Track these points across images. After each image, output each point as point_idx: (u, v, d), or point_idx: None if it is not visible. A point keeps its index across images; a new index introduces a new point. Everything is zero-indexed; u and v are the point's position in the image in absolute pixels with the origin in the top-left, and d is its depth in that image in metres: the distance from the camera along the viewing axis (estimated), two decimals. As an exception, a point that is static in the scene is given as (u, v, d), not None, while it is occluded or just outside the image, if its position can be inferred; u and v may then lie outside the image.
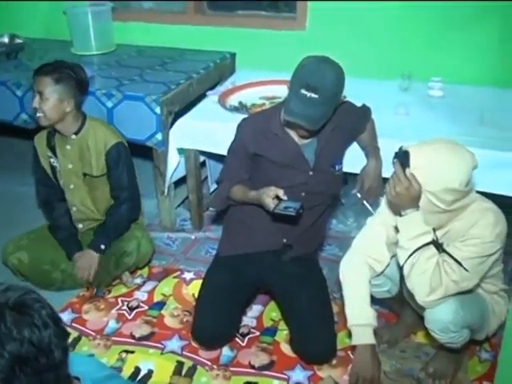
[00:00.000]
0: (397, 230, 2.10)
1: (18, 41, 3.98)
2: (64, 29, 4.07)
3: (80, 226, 2.95)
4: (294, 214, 2.22)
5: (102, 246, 2.78)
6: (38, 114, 2.63)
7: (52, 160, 2.79)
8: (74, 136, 2.74)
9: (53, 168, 2.81)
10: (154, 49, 3.97)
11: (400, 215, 2.04)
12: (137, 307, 2.80)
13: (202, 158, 3.32)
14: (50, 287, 2.89)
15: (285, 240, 2.54)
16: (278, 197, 2.25)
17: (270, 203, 2.25)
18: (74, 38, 3.98)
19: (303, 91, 2.20)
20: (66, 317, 2.72)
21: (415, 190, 1.95)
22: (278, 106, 2.52)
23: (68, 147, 2.73)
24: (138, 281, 2.98)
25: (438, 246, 2.03)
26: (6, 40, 4.03)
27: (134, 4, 4.29)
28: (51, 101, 2.61)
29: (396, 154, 2.01)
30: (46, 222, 3.08)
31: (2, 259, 2.90)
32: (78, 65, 2.78)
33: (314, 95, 2.19)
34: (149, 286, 2.94)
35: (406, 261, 2.03)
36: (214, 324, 2.43)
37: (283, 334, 2.61)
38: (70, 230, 2.89)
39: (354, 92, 2.79)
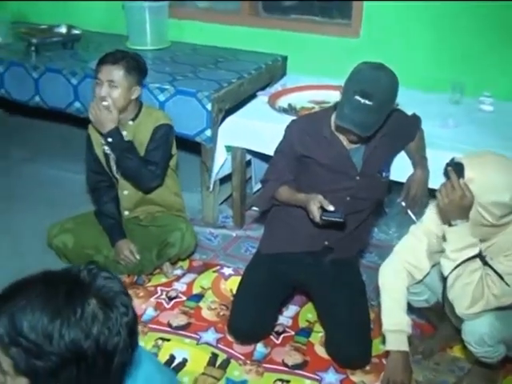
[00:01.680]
0: (442, 239, 2.10)
1: (75, 32, 4.08)
2: (121, 24, 4.16)
3: (126, 212, 3.00)
4: (342, 220, 2.25)
5: (110, 139, 2.75)
6: (106, 103, 2.68)
7: (106, 147, 2.85)
8: (130, 122, 2.80)
9: (106, 155, 2.87)
10: (208, 48, 4.03)
11: (449, 225, 2.03)
12: (175, 297, 2.85)
13: (247, 157, 3.36)
14: (92, 272, 2.94)
15: (326, 242, 2.56)
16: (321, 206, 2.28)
17: (316, 212, 2.28)
18: (130, 33, 4.07)
19: (357, 97, 2.21)
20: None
21: (468, 199, 1.94)
22: (329, 109, 2.54)
23: (124, 133, 2.79)
24: (178, 272, 3.03)
25: (482, 259, 2.03)
26: (63, 30, 4.13)
27: (189, 2, 4.36)
28: (121, 89, 2.67)
29: (448, 164, 2.01)
30: (90, 208, 3.16)
31: (47, 241, 2.97)
32: (138, 54, 2.85)
33: (367, 102, 2.20)
34: (188, 277, 2.99)
35: (451, 272, 2.02)
36: (250, 320, 2.46)
37: (318, 336, 2.62)
38: (115, 217, 2.95)
39: (405, 101, 2.80)
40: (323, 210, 2.28)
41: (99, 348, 1.08)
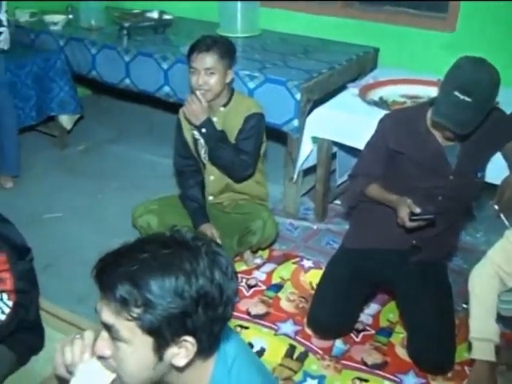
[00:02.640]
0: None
1: (167, 17, 4.13)
2: (212, 11, 4.18)
3: (210, 198, 3.01)
4: (432, 217, 2.18)
5: (203, 130, 2.77)
6: (203, 90, 2.68)
7: (195, 132, 2.86)
8: (222, 108, 2.80)
9: (195, 140, 2.89)
10: (298, 37, 3.99)
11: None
12: (255, 286, 2.84)
13: (333, 149, 3.30)
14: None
15: (414, 241, 2.47)
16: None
17: (405, 217, 2.22)
18: (221, 20, 4.08)
19: (456, 93, 2.12)
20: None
21: None
22: (424, 104, 2.45)
23: (215, 119, 2.79)
24: (258, 261, 3.02)
25: None
26: (155, 15, 4.19)
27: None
28: (218, 75, 2.68)
29: None
30: (174, 191, 3.20)
31: (131, 221, 3.02)
32: (226, 38, 2.85)
33: (467, 99, 2.10)
34: (268, 267, 2.97)
35: None
36: (330, 314, 2.42)
37: (399, 337, 2.55)
38: (199, 201, 2.96)
39: (504, 100, 2.67)
40: (412, 213, 2.21)
41: (221, 292, 1.13)
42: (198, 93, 2.69)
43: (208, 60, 2.65)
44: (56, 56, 3.95)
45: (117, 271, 1.11)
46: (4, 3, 3.34)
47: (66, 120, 4.14)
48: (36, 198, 3.60)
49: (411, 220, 2.22)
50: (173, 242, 1.15)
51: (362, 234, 2.58)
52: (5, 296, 1.96)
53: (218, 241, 2.82)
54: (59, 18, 4.10)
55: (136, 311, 1.09)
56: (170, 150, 3.07)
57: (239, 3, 3.94)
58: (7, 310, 1.95)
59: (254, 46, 3.77)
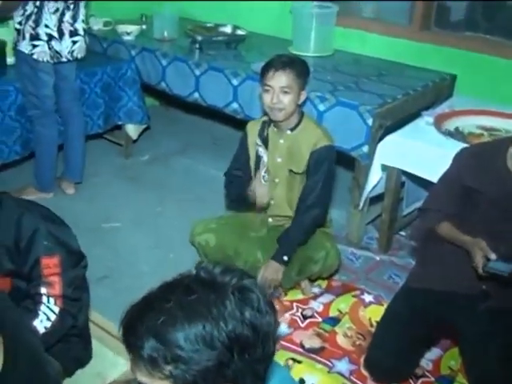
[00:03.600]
0: None
1: (240, 32, 4.08)
2: (286, 28, 4.11)
3: (270, 220, 2.92)
4: (506, 275, 2.01)
5: (285, 258, 2.71)
6: (277, 109, 2.60)
7: (260, 149, 2.78)
8: (289, 132, 2.71)
9: (258, 157, 2.81)
10: (372, 59, 3.88)
11: None
12: (310, 317, 2.72)
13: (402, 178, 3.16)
14: (230, 275, 2.91)
15: (484, 287, 2.31)
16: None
17: (479, 262, 2.06)
18: (294, 38, 4.01)
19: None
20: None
21: None
22: (504, 140, 2.30)
23: (281, 141, 2.72)
24: (316, 290, 2.90)
25: None
26: (228, 30, 4.15)
27: (356, 11, 4.22)
28: (292, 95, 2.59)
29: None
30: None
31: (189, 238, 2.96)
32: (301, 58, 2.77)
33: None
34: (326, 298, 2.85)
35: None
36: (390, 357, 2.28)
37: (460, 386, 2.39)
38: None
39: None
40: (488, 258, 2.05)
41: (256, 332, 1.04)
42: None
43: (284, 78, 2.57)
44: (127, 66, 3.96)
45: (141, 328, 1.03)
46: (81, 12, 3.35)
47: (132, 130, 4.14)
48: (96, 207, 3.60)
49: (485, 271, 2.06)
50: (198, 284, 1.07)
51: (427, 273, 2.42)
52: (52, 300, 1.91)
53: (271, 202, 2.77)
54: (132, 28, 4.11)
55: (167, 368, 1.00)
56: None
57: (314, 21, 3.86)
58: (53, 317, 1.91)
59: (327, 67, 3.67)
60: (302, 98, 2.67)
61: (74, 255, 1.99)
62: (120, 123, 4.09)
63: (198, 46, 3.89)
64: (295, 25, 3.99)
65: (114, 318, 2.54)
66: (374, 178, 3.04)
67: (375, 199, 3.25)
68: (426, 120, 3.11)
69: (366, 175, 3.07)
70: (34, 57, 3.23)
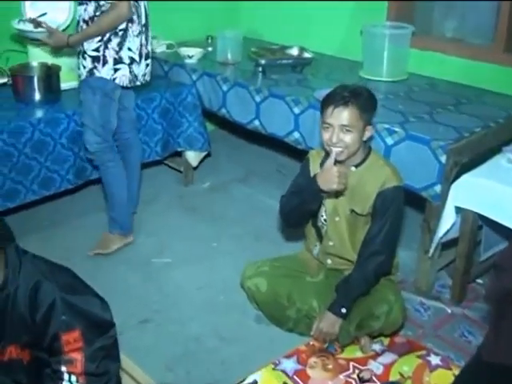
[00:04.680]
0: None
1: (307, 55, 3.83)
2: (356, 49, 3.85)
3: (329, 261, 2.66)
4: None
5: (344, 310, 2.46)
6: (338, 149, 2.35)
7: None
8: (353, 168, 2.45)
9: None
10: (449, 84, 3.55)
11: None
12: (368, 380, 2.40)
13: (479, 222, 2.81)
14: (282, 325, 2.68)
15: None
16: None
17: None
18: (365, 60, 3.73)
19: None
20: (289, 365, 2.47)
21: None
22: None
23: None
24: (376, 348, 2.58)
25: None
26: (295, 52, 3.92)
27: (434, 31, 3.90)
28: (355, 133, 2.34)
29: None
30: (293, 248, 2.94)
31: (240, 280, 2.75)
32: (368, 89, 2.48)
33: None
34: (387, 357, 2.52)
35: None
36: None
37: None
38: None
39: None
40: None
41: None
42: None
43: (345, 116, 2.30)
44: (187, 91, 3.79)
45: None
46: (150, 34, 3.20)
47: (192, 156, 3.97)
48: (149, 238, 3.44)
49: None
50: None
51: (503, 344, 2.07)
52: (73, 378, 1.73)
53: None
54: (195, 51, 3.94)
55: None
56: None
57: (387, 43, 3.57)
58: None
59: (399, 93, 3.36)
60: (368, 134, 2.40)
61: (99, 325, 1.79)
62: (180, 150, 3.93)
63: (261, 69, 3.68)
64: (366, 46, 3.71)
65: (152, 369, 2.37)
66: (447, 221, 2.71)
67: (449, 242, 2.91)
68: (507, 157, 2.76)
69: (438, 218, 2.74)
70: (116, 81, 3.04)
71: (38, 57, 3.53)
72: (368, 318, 2.46)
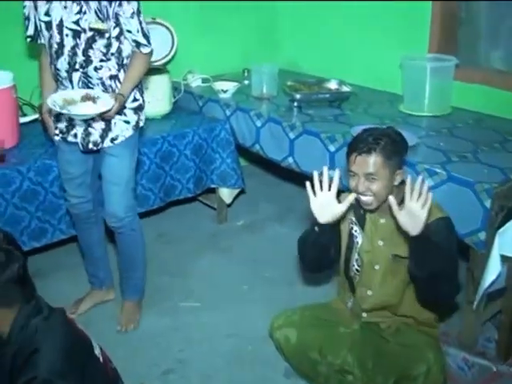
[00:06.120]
0: None
1: (345, 89, 3.69)
2: (397, 81, 3.69)
3: (364, 314, 2.47)
4: None
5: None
6: (365, 198, 2.20)
7: (355, 228, 2.36)
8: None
9: (351, 237, 2.39)
10: (496, 119, 3.33)
11: None
12: None
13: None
14: (313, 381, 2.50)
15: None
16: None
17: None
18: (405, 94, 3.56)
19: None
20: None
21: None
22: None
23: (382, 221, 2.29)
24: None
25: None
26: (333, 86, 3.80)
27: (480, 60, 3.71)
28: (382, 181, 2.17)
29: None
30: (329, 295, 2.78)
31: (269, 330, 2.58)
32: (396, 130, 2.30)
33: None
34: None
35: None
36: None
37: None
38: None
39: None
40: None
41: None
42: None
43: (369, 164, 2.14)
44: (221, 126, 3.69)
45: None
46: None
47: (226, 193, 3.86)
48: (177, 279, 3.33)
49: None
50: None
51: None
52: None
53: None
54: (229, 85, 3.84)
55: None
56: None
57: (428, 76, 3.39)
58: None
59: (441, 130, 3.17)
60: (399, 178, 2.22)
61: None
62: (213, 186, 3.82)
63: (296, 104, 3.55)
64: (406, 80, 3.55)
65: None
66: (493, 271, 2.49)
67: (496, 292, 2.69)
68: (560, 201, 2.54)
69: (483, 267, 2.53)
70: (141, 124, 2.84)
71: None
72: (404, 379, 2.25)
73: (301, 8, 4.45)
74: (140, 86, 2.77)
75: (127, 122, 2.73)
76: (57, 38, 2.56)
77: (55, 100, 2.50)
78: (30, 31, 2.69)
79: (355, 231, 2.37)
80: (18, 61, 3.44)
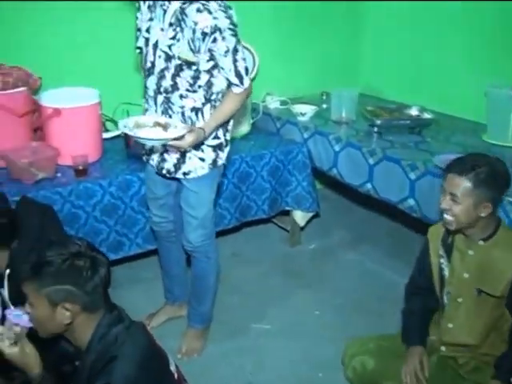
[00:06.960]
0: None
1: (427, 116, 3.61)
2: (480, 109, 3.59)
3: (443, 348, 2.38)
4: None
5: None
6: (447, 217, 2.18)
7: (442, 261, 2.31)
8: (481, 242, 2.20)
9: (441, 270, 2.33)
10: None
11: None
12: None
13: None
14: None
15: None
16: None
17: None
18: (489, 123, 3.46)
19: None
20: None
21: None
22: None
23: (470, 253, 2.22)
24: None
25: None
26: (414, 112, 3.71)
27: None
28: (464, 206, 2.13)
29: None
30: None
31: (342, 357, 2.52)
32: (500, 161, 2.23)
33: None
34: None
35: None
36: None
37: None
38: (420, 314, 2.42)
39: None
40: None
41: None
42: None
43: (455, 185, 2.11)
44: (298, 149, 3.68)
45: None
46: None
47: (300, 216, 3.84)
48: (248, 300, 3.32)
49: None
50: None
51: None
52: None
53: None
54: (308, 108, 3.83)
55: None
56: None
57: (514, 105, 3.29)
58: None
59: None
60: (486, 210, 2.14)
61: None
62: (287, 209, 3.81)
63: (376, 130, 3.50)
64: (490, 109, 3.44)
65: None
66: None
67: None
68: None
69: None
70: (220, 162, 2.74)
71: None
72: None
73: (382, 33, 4.42)
74: (225, 125, 2.68)
75: (202, 160, 2.64)
76: (151, 56, 2.57)
77: (128, 122, 2.49)
78: (140, 43, 2.65)
79: (442, 264, 2.32)
80: (102, 78, 3.54)
